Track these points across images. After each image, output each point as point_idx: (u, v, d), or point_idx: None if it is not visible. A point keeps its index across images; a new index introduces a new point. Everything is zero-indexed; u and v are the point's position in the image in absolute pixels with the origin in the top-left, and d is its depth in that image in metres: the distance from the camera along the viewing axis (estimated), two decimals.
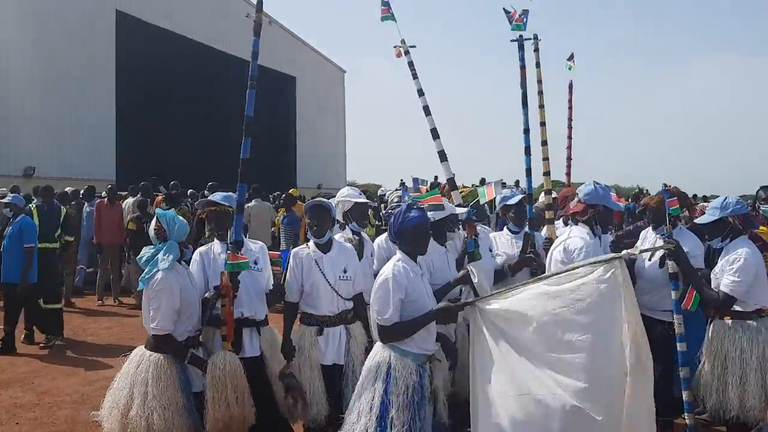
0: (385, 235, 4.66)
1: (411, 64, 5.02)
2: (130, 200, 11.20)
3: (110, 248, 10.65)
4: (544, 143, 5.17)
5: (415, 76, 4.95)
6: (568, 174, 5.77)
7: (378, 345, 3.49)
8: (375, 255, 4.76)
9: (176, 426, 3.53)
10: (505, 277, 4.78)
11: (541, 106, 5.27)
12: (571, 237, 4.43)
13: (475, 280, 4.08)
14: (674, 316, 4.07)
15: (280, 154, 29.32)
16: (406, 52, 5.09)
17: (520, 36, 5.22)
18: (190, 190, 13.44)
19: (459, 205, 4.55)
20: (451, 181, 4.70)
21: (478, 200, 5.11)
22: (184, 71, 23.20)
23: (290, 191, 12.22)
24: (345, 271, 4.18)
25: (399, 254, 3.56)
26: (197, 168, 20.70)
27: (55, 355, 7.46)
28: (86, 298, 10.80)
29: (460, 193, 4.66)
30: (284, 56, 27.74)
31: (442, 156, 4.66)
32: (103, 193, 11.18)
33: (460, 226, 4.59)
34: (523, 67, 5.17)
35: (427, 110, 4.77)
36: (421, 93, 4.85)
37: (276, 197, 14.65)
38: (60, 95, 19.03)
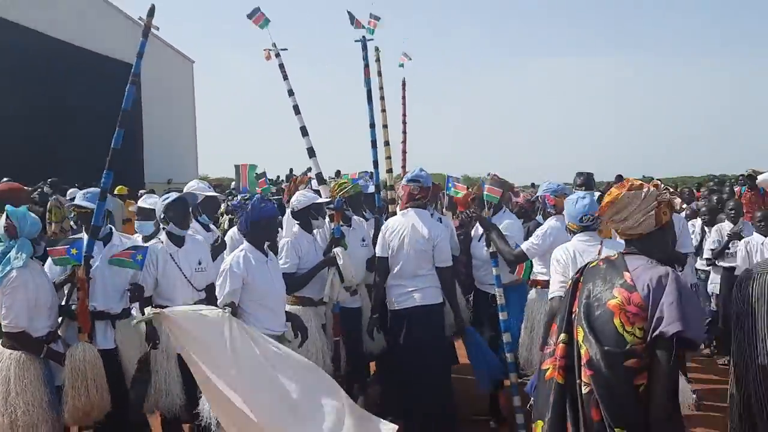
0: (236, 227, 4.91)
1: (282, 66, 5.25)
2: None
3: None
4: (388, 158, 5.74)
5: (285, 78, 5.19)
6: (404, 167, 6.32)
7: None
8: (228, 246, 5.03)
9: (41, 421, 3.56)
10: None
11: (383, 110, 5.85)
12: (438, 223, 4.85)
13: (340, 263, 4.52)
14: (496, 289, 4.73)
15: (126, 148, 27.76)
16: (277, 55, 5.30)
17: (363, 37, 5.66)
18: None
19: (330, 202, 4.87)
20: (319, 175, 5.02)
21: (359, 193, 5.47)
22: (24, 63, 21.37)
23: (116, 189, 11.81)
24: (200, 263, 4.36)
25: (244, 244, 3.89)
26: (34, 162, 19.25)
27: None
28: None
29: (342, 185, 5.02)
30: (127, 44, 26.21)
31: (311, 152, 4.98)
32: None
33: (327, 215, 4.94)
34: (366, 66, 5.63)
35: (296, 109, 5.05)
36: (291, 93, 5.11)
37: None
38: None
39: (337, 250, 4.60)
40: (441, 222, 5.09)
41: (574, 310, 2.30)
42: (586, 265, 2.41)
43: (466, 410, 5.34)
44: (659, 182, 2.30)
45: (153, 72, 30.04)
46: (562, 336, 2.29)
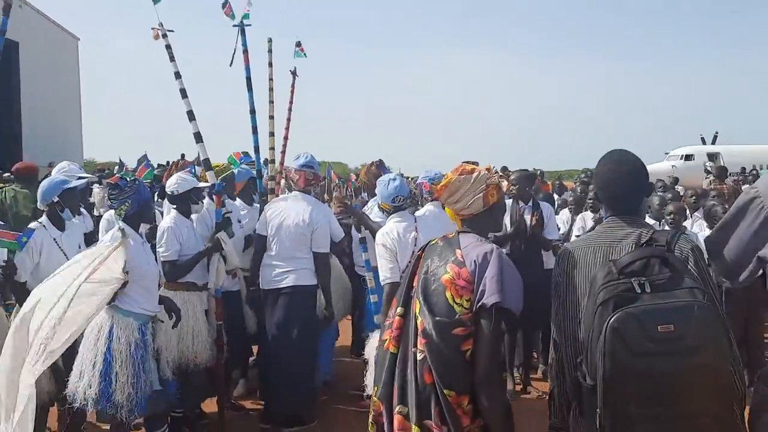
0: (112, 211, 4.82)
1: (168, 47, 5.09)
2: None
3: None
4: (272, 148, 5.86)
5: (172, 59, 5.04)
6: (283, 152, 6.40)
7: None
8: (104, 228, 4.95)
9: None
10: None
11: (271, 101, 6.01)
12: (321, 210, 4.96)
13: (226, 248, 4.53)
14: (366, 272, 4.92)
15: (2, 128, 25.97)
16: (164, 35, 5.14)
17: (242, 22, 5.66)
18: None
19: (211, 186, 4.83)
20: (206, 161, 4.98)
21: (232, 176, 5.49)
22: None
23: None
24: (79, 247, 4.34)
25: (120, 224, 3.85)
26: None
27: None
28: None
29: (216, 168, 5.04)
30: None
31: (198, 137, 4.91)
32: None
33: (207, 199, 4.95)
34: (245, 52, 5.64)
35: (183, 93, 4.92)
36: (178, 76, 4.96)
37: None
38: None
39: (221, 236, 4.60)
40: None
41: (414, 285, 2.49)
42: (428, 243, 2.62)
43: (344, 386, 5.58)
44: (491, 166, 2.53)
45: (33, 48, 28.25)
46: (399, 309, 2.49)
